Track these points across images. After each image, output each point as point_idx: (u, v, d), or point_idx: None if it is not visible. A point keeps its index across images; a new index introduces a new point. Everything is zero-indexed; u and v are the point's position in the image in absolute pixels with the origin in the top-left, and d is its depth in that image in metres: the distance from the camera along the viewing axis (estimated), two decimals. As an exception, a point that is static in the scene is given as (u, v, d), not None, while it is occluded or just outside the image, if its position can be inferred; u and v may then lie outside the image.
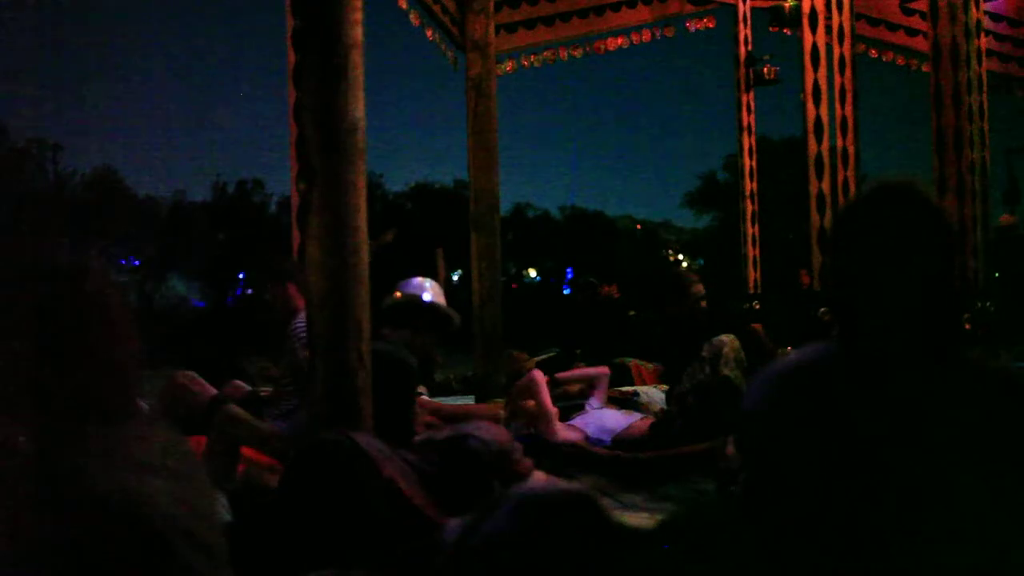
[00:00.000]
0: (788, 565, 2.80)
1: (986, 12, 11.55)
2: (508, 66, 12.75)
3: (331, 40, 4.79)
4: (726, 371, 7.51)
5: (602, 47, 13.50)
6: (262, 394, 7.48)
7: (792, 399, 2.84)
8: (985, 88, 9.63)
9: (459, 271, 50.99)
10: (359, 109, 4.83)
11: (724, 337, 7.73)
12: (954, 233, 2.89)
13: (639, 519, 5.43)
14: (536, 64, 13.24)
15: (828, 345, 2.90)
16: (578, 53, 13.43)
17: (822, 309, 9.15)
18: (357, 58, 4.85)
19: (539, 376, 8.13)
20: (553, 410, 8.08)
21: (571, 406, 8.68)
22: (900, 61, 14.91)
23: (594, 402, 8.63)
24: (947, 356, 2.76)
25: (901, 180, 2.85)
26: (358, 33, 4.87)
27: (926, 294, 2.78)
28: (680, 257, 71.52)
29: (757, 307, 12.12)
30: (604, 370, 9.05)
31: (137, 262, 59.66)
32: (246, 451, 6.36)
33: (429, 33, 11.01)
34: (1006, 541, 2.66)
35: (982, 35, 9.53)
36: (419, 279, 6.71)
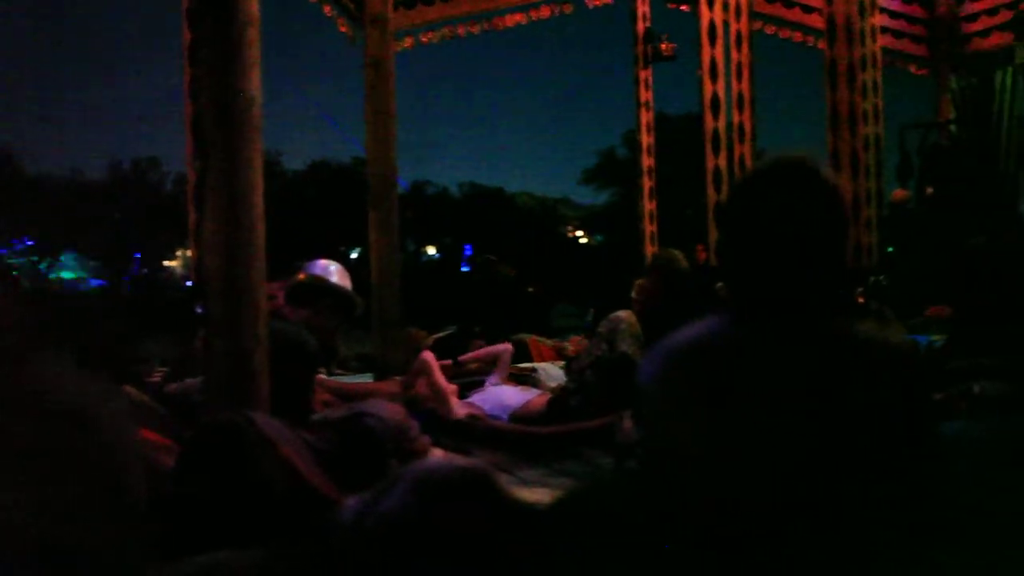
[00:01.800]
0: (684, 540, 2.83)
1: (881, -11, 11.66)
2: (407, 42, 12.72)
3: (226, 16, 4.73)
4: (624, 347, 7.56)
5: (501, 23, 13.50)
6: (152, 379, 7.39)
7: (685, 373, 2.87)
8: (879, 64, 9.74)
9: (358, 249, 50.89)
10: (255, 86, 4.79)
11: (621, 313, 7.77)
12: (847, 208, 2.92)
13: (537, 495, 5.44)
14: (435, 40, 13.22)
15: (722, 319, 2.92)
16: (476, 29, 13.43)
17: (718, 284, 9.21)
18: (253, 34, 4.80)
19: (429, 356, 8.11)
20: (450, 388, 8.08)
21: (471, 383, 8.69)
22: (796, 37, 15.05)
23: (494, 379, 8.64)
24: (837, 328, 2.80)
25: (795, 155, 2.88)
26: (254, 8, 4.82)
27: (818, 268, 2.82)
28: (579, 234, 71.82)
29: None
30: (506, 347, 9.06)
31: (31, 241, 58.92)
32: (142, 432, 6.30)
33: (327, 9, 10.95)
34: (888, 509, 2.70)
35: (876, 12, 9.64)
36: (324, 261, 6.68)
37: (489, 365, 8.92)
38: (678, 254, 8.43)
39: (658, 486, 2.89)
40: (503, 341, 9.64)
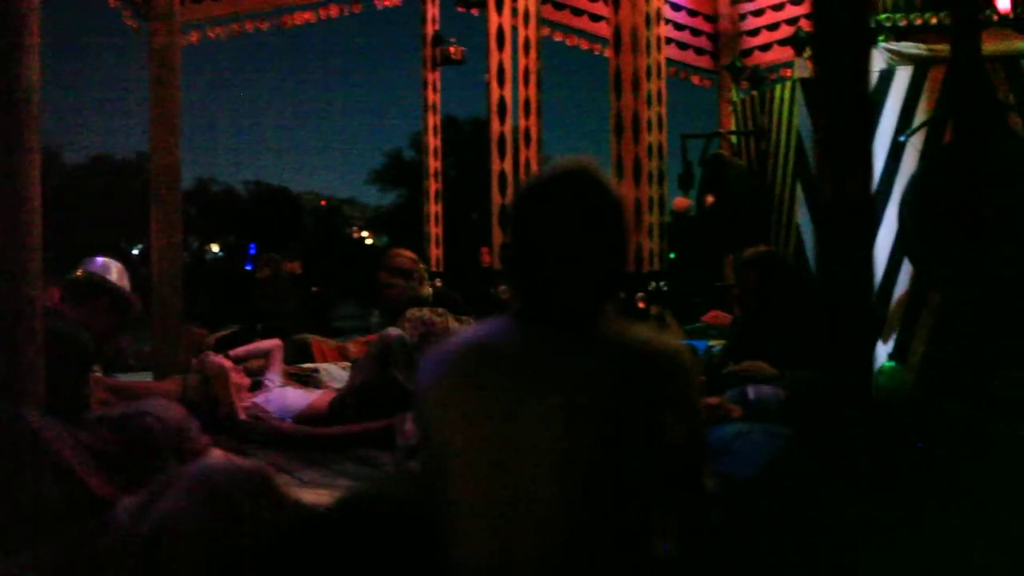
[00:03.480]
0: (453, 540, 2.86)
1: (666, 1, 11.85)
2: (193, 37, 12.56)
3: (3, 3, 4.63)
4: (396, 372, 7.50)
5: (289, 21, 13.41)
6: None
7: (463, 374, 2.89)
8: (664, 74, 9.89)
9: (139, 245, 50.03)
10: (34, 76, 4.68)
11: (392, 331, 7.73)
12: (628, 215, 2.97)
13: (317, 496, 5.41)
14: (223, 36, 13.08)
15: (504, 321, 2.95)
16: (265, 26, 13.32)
17: (501, 287, 9.27)
18: (32, 23, 4.70)
19: (228, 364, 8.02)
20: (244, 382, 8.00)
21: (253, 382, 8.61)
22: (583, 45, 15.21)
23: (273, 376, 8.55)
24: (615, 332, 2.85)
25: (578, 162, 2.92)
26: (33, -3, 4.72)
27: (598, 272, 2.86)
28: (364, 234, 71.62)
29: (439, 284, 12.21)
30: (276, 342, 8.99)
31: None
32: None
33: (111, 0, 10.73)
34: (609, 501, 2.77)
35: (662, 23, 9.78)
36: (103, 259, 6.54)
37: (265, 362, 8.83)
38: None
39: (436, 487, 2.90)
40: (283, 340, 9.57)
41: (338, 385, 8.75)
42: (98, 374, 7.96)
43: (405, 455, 6.07)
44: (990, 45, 8.76)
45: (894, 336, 8.86)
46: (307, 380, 9.25)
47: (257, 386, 8.50)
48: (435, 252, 13.95)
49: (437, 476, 2.91)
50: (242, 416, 7.65)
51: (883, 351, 8.52)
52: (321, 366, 9.98)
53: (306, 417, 7.84)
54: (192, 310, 10.44)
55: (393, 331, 7.73)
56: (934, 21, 10.18)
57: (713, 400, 5.78)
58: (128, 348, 11.18)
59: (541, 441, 2.74)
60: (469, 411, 2.83)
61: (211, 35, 12.89)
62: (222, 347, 9.08)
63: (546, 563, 2.74)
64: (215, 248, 68.47)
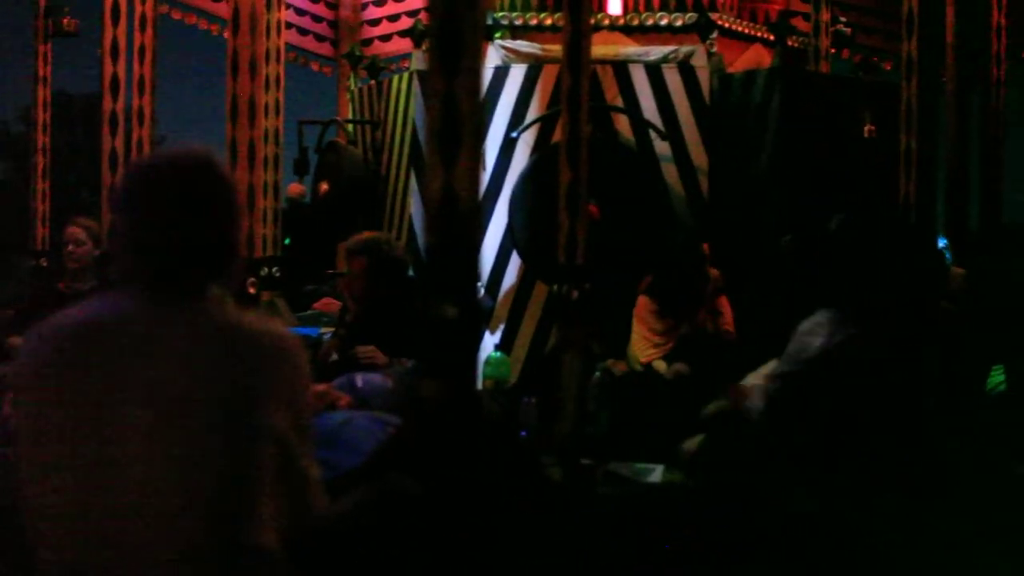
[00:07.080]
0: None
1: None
2: None
3: None
4: None
5: None
6: None
7: (56, 357, 2.85)
8: (282, 59, 9.89)
9: None
10: None
11: None
12: (239, 200, 2.99)
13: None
14: None
15: (108, 299, 2.94)
16: None
17: (111, 268, 9.12)
18: None
19: None
20: None
21: None
22: (203, 25, 15.02)
23: None
24: (222, 315, 2.87)
25: (191, 147, 2.94)
26: None
27: (206, 256, 2.87)
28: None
29: (45, 264, 11.86)
30: None
31: None
32: None
33: None
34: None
35: (282, 7, 9.77)
36: None
37: None
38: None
39: (27, 480, 2.85)
40: None
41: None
42: None
43: (2, 441, 5.90)
44: (601, 48, 9.11)
45: (501, 327, 9.11)
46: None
47: None
48: (41, 231, 13.49)
49: (28, 467, 2.85)
50: None
51: (491, 341, 8.74)
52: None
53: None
54: None
55: None
56: (549, 22, 10.56)
57: (321, 387, 5.81)
58: None
59: (145, 429, 2.71)
60: (68, 396, 2.78)
61: None
62: None
63: (144, 556, 2.71)
64: None
